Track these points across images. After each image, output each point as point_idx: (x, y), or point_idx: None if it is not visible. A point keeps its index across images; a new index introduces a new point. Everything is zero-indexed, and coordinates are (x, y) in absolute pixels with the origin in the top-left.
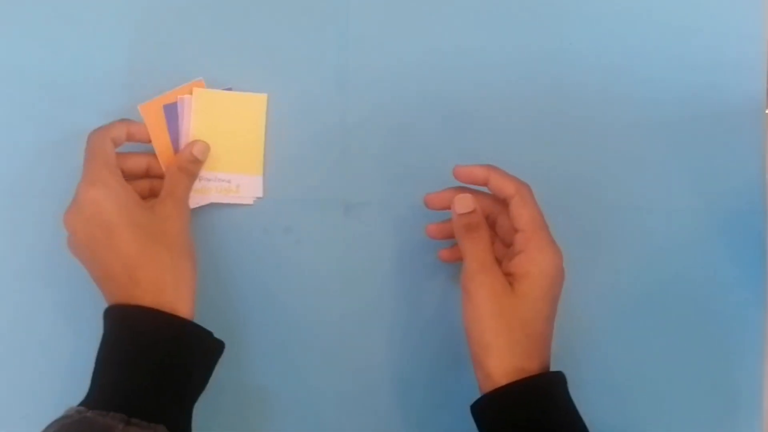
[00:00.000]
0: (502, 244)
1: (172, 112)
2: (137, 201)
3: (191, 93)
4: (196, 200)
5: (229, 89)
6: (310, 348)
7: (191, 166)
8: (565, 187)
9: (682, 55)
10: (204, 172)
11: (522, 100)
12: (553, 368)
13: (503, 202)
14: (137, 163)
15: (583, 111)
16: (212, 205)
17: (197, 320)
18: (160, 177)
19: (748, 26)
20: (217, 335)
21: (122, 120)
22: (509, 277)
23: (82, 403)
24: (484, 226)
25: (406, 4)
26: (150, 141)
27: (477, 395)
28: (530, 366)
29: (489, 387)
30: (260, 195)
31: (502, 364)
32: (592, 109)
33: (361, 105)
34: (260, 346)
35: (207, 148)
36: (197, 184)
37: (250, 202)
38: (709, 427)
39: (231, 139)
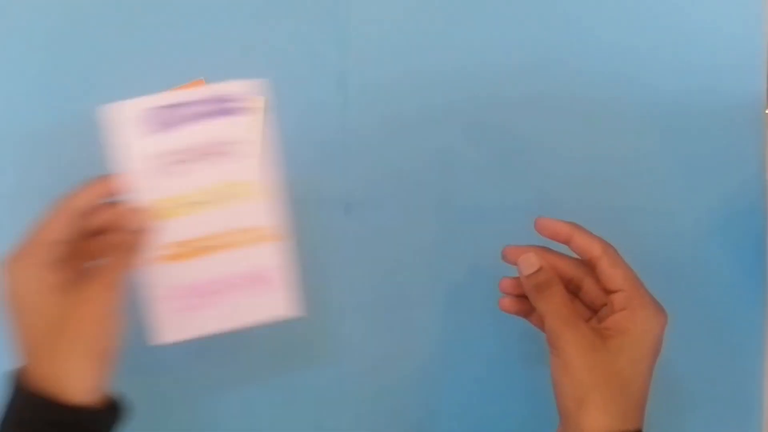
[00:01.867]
0: (588, 308)
1: None
2: (55, 288)
3: None
4: None
5: None
6: (310, 347)
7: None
8: (564, 188)
9: (682, 55)
10: None
11: (521, 100)
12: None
13: (587, 264)
14: (102, 220)
15: (583, 111)
16: None
17: None
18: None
19: (747, 26)
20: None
21: (95, 182)
22: (604, 333)
23: None
24: (556, 281)
25: (406, 5)
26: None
27: (478, 396)
28: (626, 426)
29: None
30: None
31: (599, 421)
32: (592, 109)
33: (361, 105)
34: (259, 345)
35: None
36: None
37: None
38: (710, 427)
39: None
